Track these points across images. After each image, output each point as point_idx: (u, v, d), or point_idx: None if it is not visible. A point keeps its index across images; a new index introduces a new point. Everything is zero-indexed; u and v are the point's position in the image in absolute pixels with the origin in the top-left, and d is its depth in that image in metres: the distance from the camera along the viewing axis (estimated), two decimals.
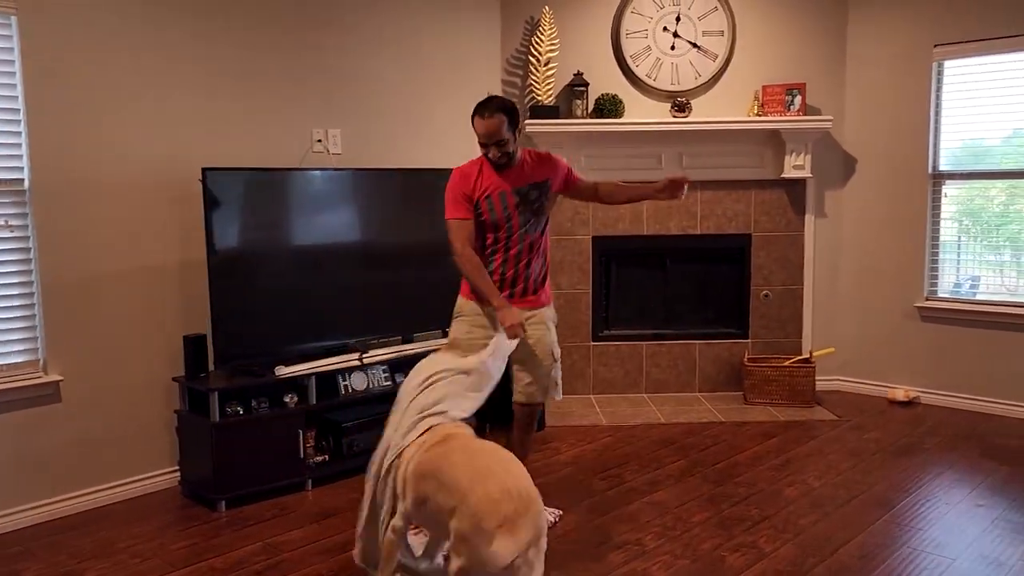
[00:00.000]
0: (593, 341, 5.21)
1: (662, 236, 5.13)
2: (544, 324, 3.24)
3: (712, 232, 5.16)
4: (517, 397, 3.30)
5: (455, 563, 2.23)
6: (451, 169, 3.26)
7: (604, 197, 3.41)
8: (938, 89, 4.86)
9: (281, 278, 3.79)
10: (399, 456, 2.58)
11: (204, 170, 3.50)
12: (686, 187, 3.22)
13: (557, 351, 3.28)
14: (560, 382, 3.34)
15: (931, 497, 3.53)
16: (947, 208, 4.93)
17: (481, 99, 3.11)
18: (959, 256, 4.99)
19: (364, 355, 3.98)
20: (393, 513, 2.56)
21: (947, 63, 4.81)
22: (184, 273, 3.73)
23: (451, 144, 4.82)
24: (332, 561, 2.98)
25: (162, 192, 3.65)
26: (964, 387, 4.85)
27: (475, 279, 3.13)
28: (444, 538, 2.45)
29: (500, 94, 5.05)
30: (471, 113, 3.10)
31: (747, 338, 5.25)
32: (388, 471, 2.62)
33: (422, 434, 2.58)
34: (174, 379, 3.67)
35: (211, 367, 3.67)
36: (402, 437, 2.62)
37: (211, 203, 3.51)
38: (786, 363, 5.05)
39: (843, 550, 3.02)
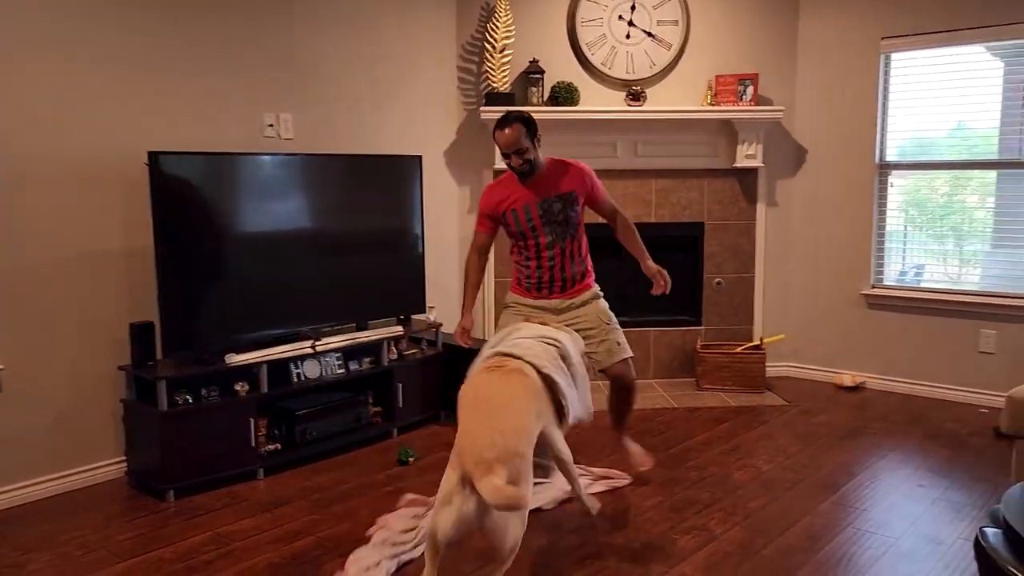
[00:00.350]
0: None
1: None
2: (586, 303, 3.46)
3: (666, 220, 5.20)
4: (595, 367, 3.41)
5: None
6: (406, 155, 3.55)
7: (617, 225, 3.57)
8: (885, 81, 4.96)
9: (231, 265, 3.72)
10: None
11: (151, 154, 3.41)
12: (662, 290, 3.46)
13: (610, 316, 3.47)
14: (623, 341, 3.46)
15: (876, 479, 3.62)
16: (894, 198, 5.05)
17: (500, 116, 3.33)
18: (905, 245, 5.12)
19: (317, 343, 3.93)
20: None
21: (894, 55, 4.92)
22: (130, 260, 3.65)
23: (405, 130, 4.79)
24: (284, 550, 2.95)
25: (106, 177, 3.56)
26: (909, 372, 4.98)
27: (465, 285, 3.58)
28: None
29: (456, 80, 5.05)
30: (491, 129, 3.33)
31: (700, 325, 5.32)
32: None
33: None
34: (120, 368, 3.59)
35: (159, 356, 3.60)
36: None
37: (158, 188, 3.43)
38: (737, 350, 5.13)
39: (791, 531, 3.09)
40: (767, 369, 5.16)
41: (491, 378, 2.66)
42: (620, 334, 3.47)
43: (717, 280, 5.29)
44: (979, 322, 4.71)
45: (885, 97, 4.98)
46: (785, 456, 3.91)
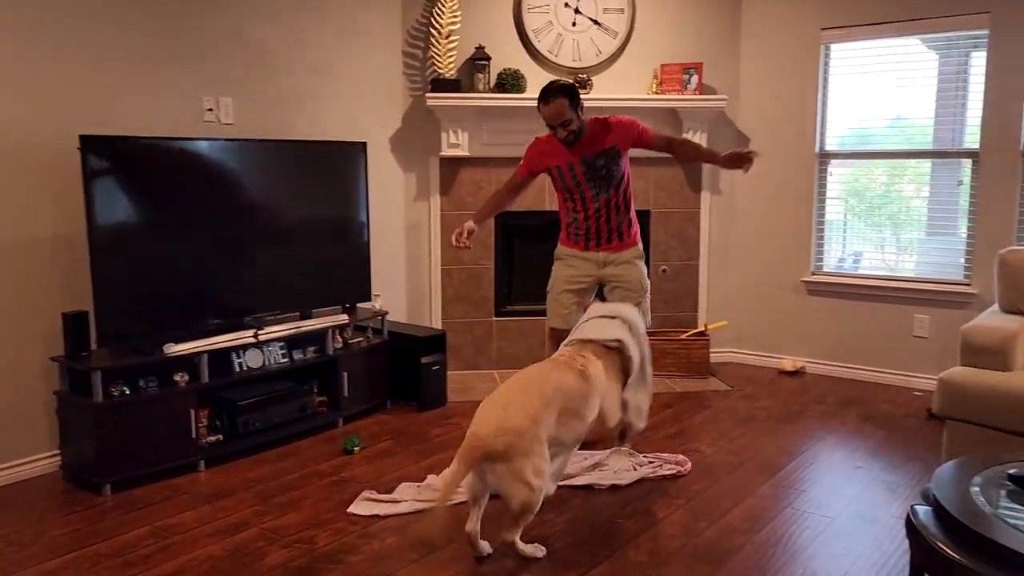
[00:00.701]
0: (496, 317, 5.23)
1: None
2: (629, 263, 3.69)
3: None
4: None
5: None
6: (350, 141, 3.75)
7: (676, 151, 3.79)
8: (825, 71, 5.06)
9: (169, 253, 3.62)
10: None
11: (82, 138, 3.30)
12: (749, 164, 3.59)
13: (646, 283, 3.72)
14: (649, 311, 3.70)
15: (814, 461, 3.71)
16: (834, 187, 5.16)
17: (543, 85, 3.49)
18: (845, 233, 5.24)
19: (260, 332, 3.86)
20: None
21: (834, 46, 5.02)
22: (61, 248, 3.53)
23: (350, 116, 4.72)
24: (226, 542, 2.90)
25: (38, 163, 3.43)
26: (847, 357, 5.11)
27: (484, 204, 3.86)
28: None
29: (402, 66, 4.99)
30: (536, 101, 3.47)
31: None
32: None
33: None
34: (53, 359, 3.48)
35: (94, 346, 3.49)
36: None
37: (91, 173, 3.32)
38: (682, 336, 5.20)
39: (732, 513, 3.14)
40: (711, 355, 5.24)
41: (543, 365, 3.03)
42: (648, 304, 3.71)
43: (663, 268, 5.34)
44: (913, 307, 4.85)
45: (825, 87, 5.08)
46: (728, 440, 3.98)
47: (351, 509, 3.17)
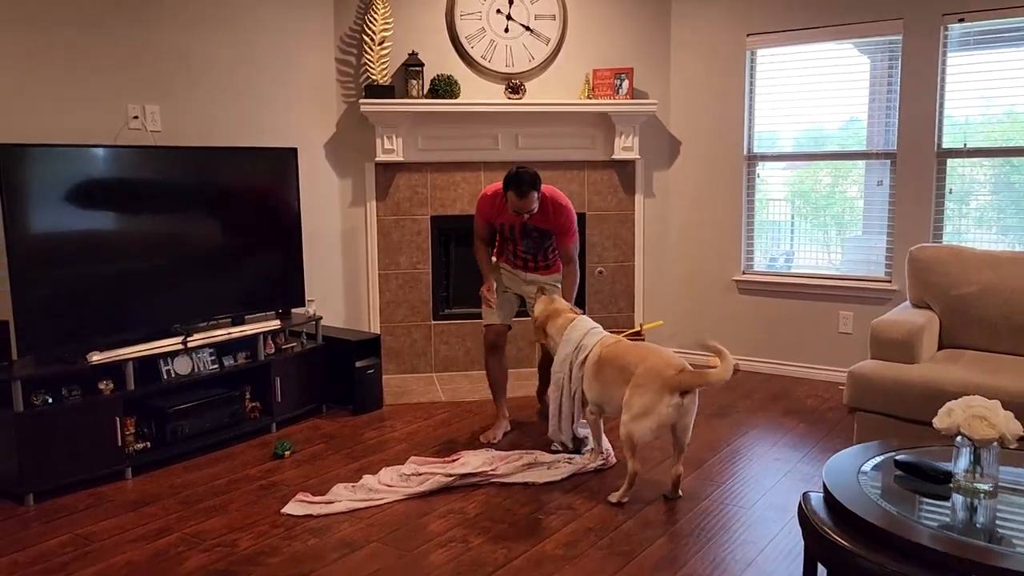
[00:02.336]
0: (434, 320, 5.27)
1: None
2: (541, 281, 4.09)
3: None
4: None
5: (629, 412, 3.23)
6: (281, 147, 4.23)
7: (562, 266, 4.12)
8: (752, 76, 5.20)
9: (94, 260, 3.61)
10: (588, 353, 3.58)
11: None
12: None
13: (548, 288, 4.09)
14: None
15: (736, 454, 3.82)
16: (779, 189, 5.28)
17: (512, 174, 3.74)
18: (778, 233, 5.36)
19: (188, 339, 3.86)
20: (585, 401, 3.62)
21: (759, 52, 5.16)
22: None
23: (283, 122, 4.74)
24: (146, 548, 2.91)
25: None
26: (776, 353, 5.25)
27: (479, 263, 4.14)
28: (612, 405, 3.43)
29: (335, 72, 5.02)
30: (503, 184, 3.77)
31: (583, 314, 5.43)
32: (581, 365, 3.60)
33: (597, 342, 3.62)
34: None
35: (14, 355, 3.46)
36: (585, 347, 3.64)
37: (7, 182, 3.29)
38: (619, 337, 5.28)
39: (651, 506, 3.23)
40: None
41: (623, 341, 3.59)
42: None
43: (599, 269, 5.44)
44: (839, 305, 5.00)
45: (752, 91, 5.22)
46: (655, 436, 4.06)
47: (285, 510, 3.21)
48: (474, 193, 5.19)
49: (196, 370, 3.90)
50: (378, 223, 5.15)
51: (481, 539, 2.96)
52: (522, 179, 3.70)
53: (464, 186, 5.19)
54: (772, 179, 5.31)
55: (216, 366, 3.98)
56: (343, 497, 3.32)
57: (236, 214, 4.17)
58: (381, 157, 5.01)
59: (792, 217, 5.36)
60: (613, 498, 3.25)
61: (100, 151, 3.65)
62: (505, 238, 4.07)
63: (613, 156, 5.26)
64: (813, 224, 5.31)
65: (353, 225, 5.18)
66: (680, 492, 3.32)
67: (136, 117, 4.02)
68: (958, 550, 1.89)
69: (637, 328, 5.38)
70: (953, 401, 2.28)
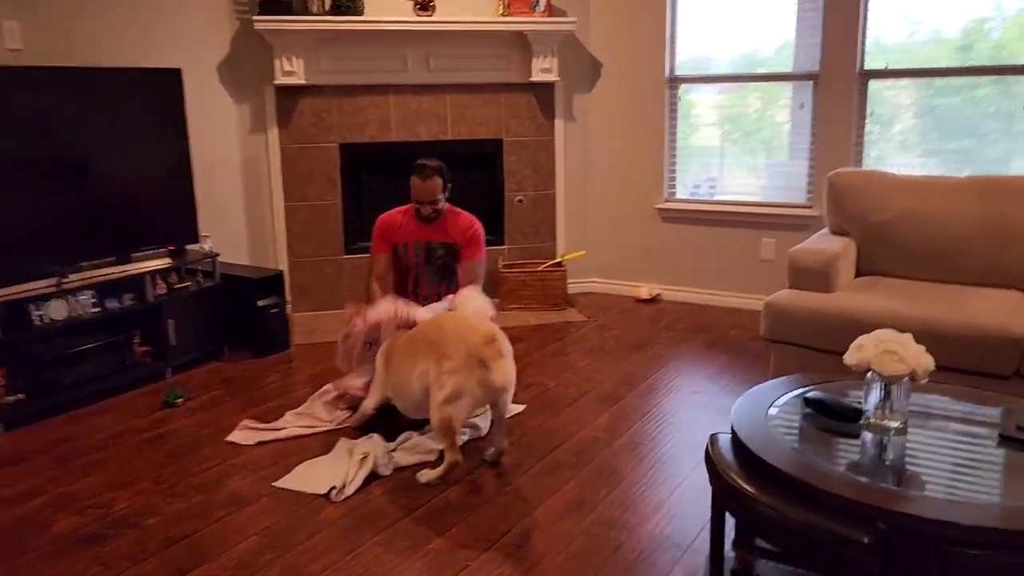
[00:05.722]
0: (346, 254, 5.01)
1: (412, 143, 4.94)
2: None
3: (463, 137, 5.04)
4: None
5: (441, 393, 2.74)
6: (161, 68, 3.85)
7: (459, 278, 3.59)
8: None
9: None
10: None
11: None
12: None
13: None
14: None
15: (654, 389, 3.72)
16: (709, 113, 5.06)
17: (416, 161, 3.44)
18: (708, 159, 5.18)
19: (63, 281, 3.53)
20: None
21: None
22: None
23: (165, 41, 4.31)
24: (9, 513, 2.66)
25: None
26: (699, 282, 5.16)
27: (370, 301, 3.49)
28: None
29: None
30: (409, 172, 3.43)
31: (503, 244, 5.25)
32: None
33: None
34: None
35: None
36: None
37: None
38: (539, 268, 5.12)
39: (562, 448, 3.10)
40: (571, 286, 5.20)
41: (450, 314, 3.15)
42: None
43: (518, 198, 5.22)
44: (760, 231, 4.90)
45: (674, 9, 4.97)
46: (572, 372, 3.94)
47: (230, 438, 3.20)
48: (383, 119, 4.88)
49: (74, 314, 3.58)
50: (282, 152, 4.80)
51: (381, 489, 2.79)
52: (425, 164, 3.46)
53: (373, 111, 4.86)
54: (702, 103, 5.11)
55: (98, 309, 3.67)
56: (290, 424, 3.32)
57: (115, 142, 3.79)
58: (281, 80, 4.63)
59: (721, 143, 5.19)
60: (422, 478, 2.81)
61: None
62: (406, 268, 3.60)
63: (531, 78, 4.98)
64: (743, 149, 5.15)
65: (254, 154, 4.82)
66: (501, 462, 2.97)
67: None
68: (863, 496, 1.79)
69: (559, 259, 5.21)
70: (864, 336, 2.16)
